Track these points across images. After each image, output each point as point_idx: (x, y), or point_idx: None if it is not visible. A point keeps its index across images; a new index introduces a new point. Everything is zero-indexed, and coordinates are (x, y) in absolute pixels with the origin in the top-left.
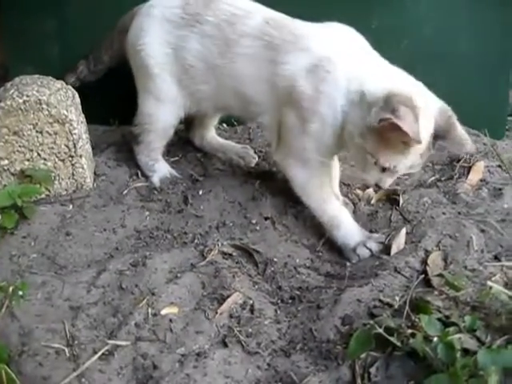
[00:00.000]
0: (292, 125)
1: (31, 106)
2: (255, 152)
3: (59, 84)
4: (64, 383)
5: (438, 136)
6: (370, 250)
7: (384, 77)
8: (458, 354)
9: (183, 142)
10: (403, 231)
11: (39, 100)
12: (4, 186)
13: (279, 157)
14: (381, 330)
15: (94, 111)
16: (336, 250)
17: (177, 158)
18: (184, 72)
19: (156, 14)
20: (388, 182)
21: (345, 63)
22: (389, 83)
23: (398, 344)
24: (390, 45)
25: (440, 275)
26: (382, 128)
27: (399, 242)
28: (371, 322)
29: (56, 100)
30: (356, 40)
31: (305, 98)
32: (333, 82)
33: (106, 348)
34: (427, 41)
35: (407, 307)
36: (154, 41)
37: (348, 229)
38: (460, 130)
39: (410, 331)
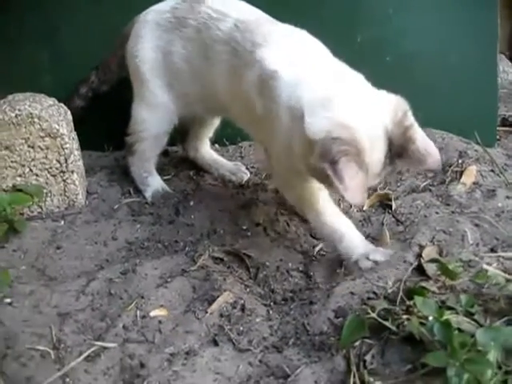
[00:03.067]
0: (264, 141)
1: (23, 119)
2: (247, 168)
3: (51, 101)
4: (48, 383)
5: (395, 154)
6: (375, 262)
7: (328, 99)
8: (456, 333)
9: (176, 161)
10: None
11: (31, 114)
12: None
13: (274, 180)
14: (374, 315)
15: (88, 137)
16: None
17: (169, 177)
18: (173, 76)
19: (149, 19)
20: None
21: (290, 78)
22: (330, 114)
23: (394, 328)
24: (375, 58)
25: (434, 260)
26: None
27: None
28: (364, 306)
29: (48, 114)
30: (313, 49)
31: (259, 114)
32: (275, 99)
33: (93, 349)
34: (413, 53)
35: (401, 293)
36: (146, 46)
37: (350, 241)
38: (421, 142)
39: (405, 316)
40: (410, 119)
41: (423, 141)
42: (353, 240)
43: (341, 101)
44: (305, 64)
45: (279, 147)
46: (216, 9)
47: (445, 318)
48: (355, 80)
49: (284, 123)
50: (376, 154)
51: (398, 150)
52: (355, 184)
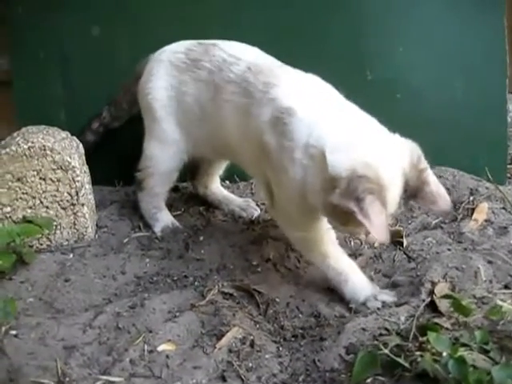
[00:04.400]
0: (271, 180)
1: (35, 151)
2: (257, 205)
3: (64, 134)
4: None
5: (410, 195)
6: (383, 302)
7: (349, 139)
8: (471, 370)
9: (186, 197)
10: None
11: (44, 146)
12: None
13: (273, 216)
14: (387, 351)
15: (98, 173)
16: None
17: (179, 212)
18: (184, 115)
19: (163, 58)
20: (361, 234)
21: (307, 116)
22: (353, 153)
23: (406, 365)
24: (385, 95)
25: (447, 296)
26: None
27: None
28: (376, 342)
29: (60, 147)
30: (327, 91)
31: (271, 151)
32: (290, 135)
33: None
34: (423, 90)
35: (413, 329)
36: (160, 84)
37: (356, 283)
38: (434, 185)
39: (418, 353)
40: (424, 163)
41: (435, 184)
42: (359, 282)
43: (363, 141)
44: (320, 103)
45: (290, 185)
46: (230, 53)
47: (459, 354)
48: (372, 123)
49: (297, 160)
50: (394, 194)
51: (413, 191)
52: (380, 221)
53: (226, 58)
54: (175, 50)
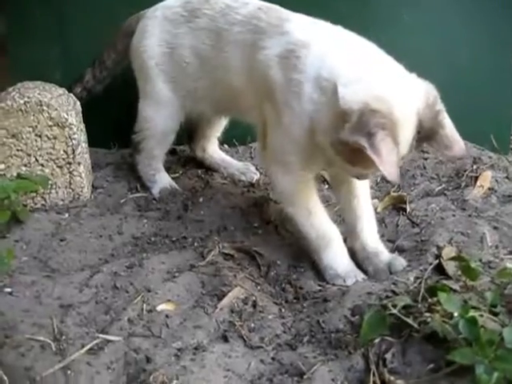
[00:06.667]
0: (269, 121)
1: (32, 107)
2: (256, 169)
3: (61, 90)
4: (48, 374)
5: (423, 137)
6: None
7: (363, 73)
8: (481, 332)
9: (184, 160)
10: None
11: (40, 101)
12: None
13: (264, 162)
14: (395, 311)
15: (94, 135)
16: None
17: (177, 175)
18: (181, 71)
19: (158, 15)
20: (369, 177)
21: (321, 49)
22: (367, 86)
23: (416, 326)
24: None
25: (456, 258)
26: (357, 146)
27: None
28: (385, 302)
29: (57, 103)
30: (340, 29)
31: (276, 87)
32: (301, 68)
33: (96, 342)
34: (426, 56)
35: (422, 290)
36: (154, 42)
37: (338, 253)
38: (449, 129)
39: (427, 314)
40: (440, 105)
41: (451, 128)
42: (341, 253)
43: (377, 76)
44: (335, 38)
45: (294, 122)
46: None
47: (470, 315)
48: (388, 59)
49: (307, 94)
50: (407, 133)
51: (427, 133)
52: (391, 159)
53: (231, 4)
54: (171, 5)
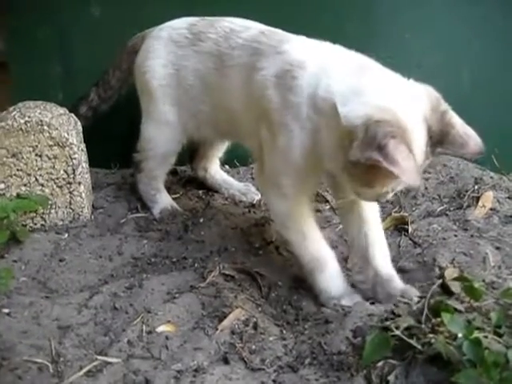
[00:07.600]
0: (265, 145)
1: (32, 126)
2: (257, 189)
3: (62, 110)
4: None
5: (436, 142)
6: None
7: (360, 87)
8: (487, 352)
9: (184, 180)
10: None
11: (41, 121)
12: None
13: (260, 184)
14: (398, 332)
15: (95, 155)
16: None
17: (178, 196)
18: (184, 93)
19: (163, 35)
20: (388, 196)
21: (316, 68)
22: (366, 99)
23: (419, 347)
24: None
25: (459, 279)
26: (370, 163)
27: None
28: (388, 323)
29: (58, 123)
30: (340, 49)
31: (273, 107)
32: (298, 89)
33: (94, 364)
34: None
35: (426, 310)
36: (158, 62)
37: (334, 276)
38: (460, 126)
39: (431, 335)
40: (445, 105)
41: (462, 125)
42: (336, 275)
43: (375, 86)
44: (331, 56)
45: (290, 145)
46: (239, 24)
47: (475, 336)
48: (384, 70)
49: (305, 115)
50: (419, 140)
51: (439, 136)
52: (410, 165)
53: (234, 28)
54: (177, 26)
